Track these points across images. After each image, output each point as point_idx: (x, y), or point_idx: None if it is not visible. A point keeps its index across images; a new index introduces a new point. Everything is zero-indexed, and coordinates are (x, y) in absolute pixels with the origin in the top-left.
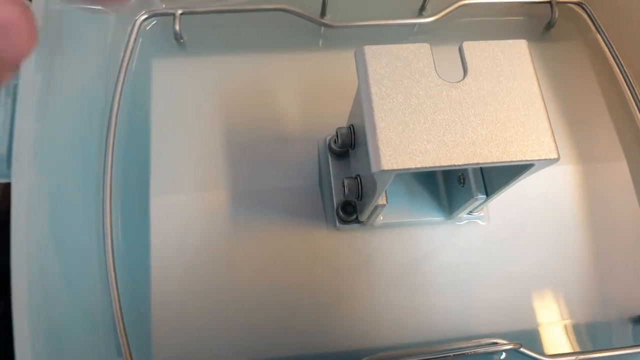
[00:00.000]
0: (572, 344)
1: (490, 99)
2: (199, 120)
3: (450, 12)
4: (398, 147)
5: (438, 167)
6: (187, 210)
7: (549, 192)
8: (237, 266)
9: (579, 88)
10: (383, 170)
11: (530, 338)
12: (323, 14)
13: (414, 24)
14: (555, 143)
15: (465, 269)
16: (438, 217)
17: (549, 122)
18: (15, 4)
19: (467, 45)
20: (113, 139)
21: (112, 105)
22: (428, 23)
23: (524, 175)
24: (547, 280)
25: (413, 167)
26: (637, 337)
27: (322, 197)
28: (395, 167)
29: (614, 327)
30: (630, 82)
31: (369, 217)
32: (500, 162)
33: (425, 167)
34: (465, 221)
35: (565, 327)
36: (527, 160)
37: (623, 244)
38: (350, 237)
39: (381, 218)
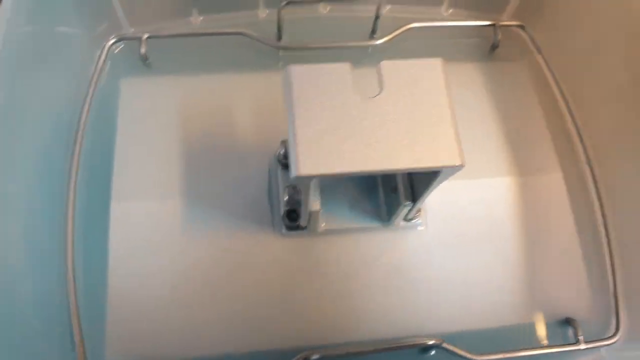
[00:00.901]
0: (504, 344)
1: (402, 112)
2: (161, 134)
3: (399, 34)
4: (315, 155)
5: (349, 173)
6: (145, 215)
7: (487, 202)
8: (191, 268)
9: (521, 105)
10: (300, 175)
11: (464, 338)
12: (279, 37)
13: (368, 46)
14: (461, 151)
15: (403, 273)
16: (378, 224)
17: (456, 132)
18: None
19: (385, 64)
20: (79, 148)
21: (79, 118)
22: (379, 45)
23: (436, 182)
24: (481, 285)
25: (327, 172)
26: (566, 337)
27: (271, 205)
28: (310, 172)
29: (543, 329)
30: (567, 100)
31: (310, 223)
32: (407, 169)
33: (338, 173)
34: (404, 228)
35: (499, 328)
36: (434, 167)
37: (555, 252)
38: (295, 243)
39: (323, 224)
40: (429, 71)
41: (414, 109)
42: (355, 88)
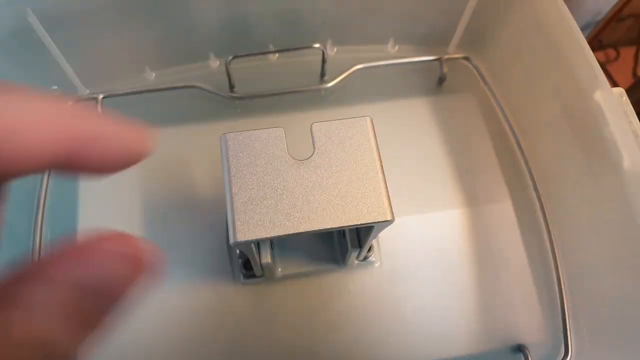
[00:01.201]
0: None
1: (333, 171)
2: (121, 188)
3: (348, 76)
4: (250, 220)
5: (285, 235)
6: None
7: (438, 234)
8: (150, 319)
9: (470, 135)
10: (237, 242)
11: None
12: (231, 87)
13: (320, 89)
14: (390, 207)
15: (362, 310)
16: (334, 265)
17: (385, 189)
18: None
19: (316, 126)
20: (42, 215)
21: (41, 182)
22: (330, 87)
23: (373, 233)
24: (436, 315)
25: (263, 236)
26: None
27: (230, 255)
28: (247, 238)
29: (498, 356)
30: (513, 130)
31: (265, 272)
32: (339, 227)
33: (273, 237)
34: (359, 267)
35: (453, 358)
36: (365, 223)
37: (507, 279)
38: (254, 291)
39: (279, 270)
40: (358, 129)
41: (345, 168)
42: (289, 151)
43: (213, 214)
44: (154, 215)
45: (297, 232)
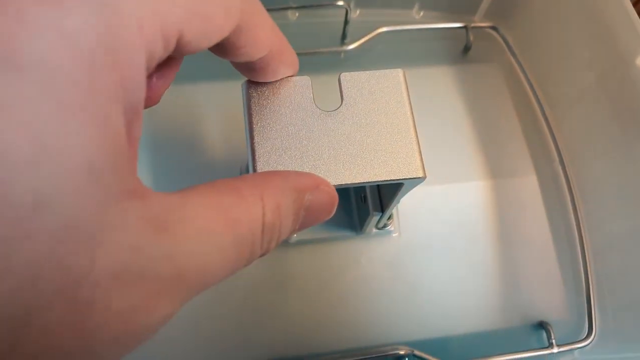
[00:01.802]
0: (477, 350)
1: (363, 124)
2: None
3: (370, 39)
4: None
5: None
6: None
7: (460, 206)
8: None
9: (495, 107)
10: None
11: (437, 345)
12: None
13: (340, 52)
14: (422, 163)
15: (377, 280)
16: (350, 233)
17: (417, 144)
18: (329, 188)
19: (345, 76)
20: None
21: None
22: (350, 50)
23: (400, 193)
24: (454, 290)
25: None
26: (539, 341)
27: None
28: None
29: (517, 333)
30: (540, 102)
31: None
32: (367, 183)
33: None
34: (377, 235)
35: (472, 334)
36: (395, 180)
37: (529, 255)
38: (268, 255)
39: (295, 235)
40: (390, 82)
41: (375, 121)
42: (315, 102)
43: (224, 173)
44: (163, 174)
45: None
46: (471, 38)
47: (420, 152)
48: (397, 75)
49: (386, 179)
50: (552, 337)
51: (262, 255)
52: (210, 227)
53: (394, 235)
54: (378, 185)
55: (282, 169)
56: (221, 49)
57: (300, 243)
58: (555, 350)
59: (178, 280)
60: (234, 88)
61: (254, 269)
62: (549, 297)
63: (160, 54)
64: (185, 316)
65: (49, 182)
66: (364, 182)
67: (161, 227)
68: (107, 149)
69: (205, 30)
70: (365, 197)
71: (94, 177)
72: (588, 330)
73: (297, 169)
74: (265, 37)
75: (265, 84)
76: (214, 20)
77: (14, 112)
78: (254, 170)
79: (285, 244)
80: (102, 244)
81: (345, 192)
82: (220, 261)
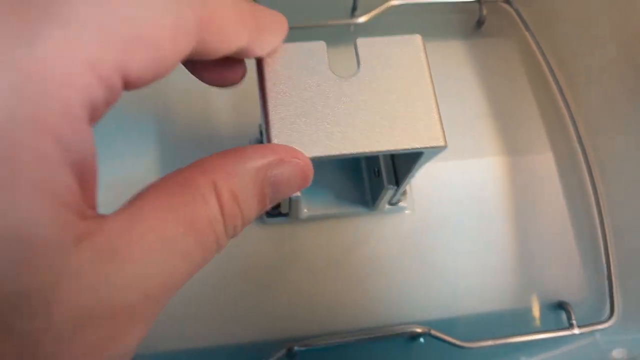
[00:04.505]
0: (494, 330)
1: (381, 91)
2: (142, 119)
3: (380, 12)
4: (289, 138)
5: (325, 156)
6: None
7: (475, 183)
8: None
9: (509, 83)
10: None
11: (454, 325)
12: None
13: (349, 25)
14: (443, 132)
15: (390, 258)
16: (362, 209)
17: (438, 112)
18: (298, 158)
19: (361, 42)
20: None
21: None
22: (360, 23)
23: (419, 164)
24: (470, 269)
25: None
26: (559, 322)
27: None
28: None
29: (535, 313)
30: (556, 78)
31: (291, 210)
32: (387, 151)
33: (313, 157)
34: (390, 212)
35: (489, 314)
36: (415, 148)
37: (547, 233)
38: (277, 230)
39: (305, 211)
40: (408, 48)
41: (393, 89)
42: (331, 68)
43: (237, 144)
44: (173, 148)
45: (339, 153)
46: (484, 12)
47: (440, 120)
48: (415, 40)
49: (405, 147)
50: (573, 317)
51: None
52: (167, 235)
53: (407, 212)
54: (392, 157)
55: (296, 135)
56: (193, 64)
57: (311, 219)
58: (576, 331)
59: (145, 300)
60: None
61: (261, 245)
62: (568, 277)
63: (106, 96)
64: (188, 294)
65: None
66: (382, 151)
67: (113, 256)
68: (44, 212)
69: (154, 58)
70: (378, 170)
71: (39, 249)
72: (610, 311)
73: (311, 136)
74: (238, 30)
75: (280, 49)
76: (162, 46)
77: None
78: (268, 137)
79: (295, 220)
80: (59, 299)
81: (357, 166)
82: (186, 263)
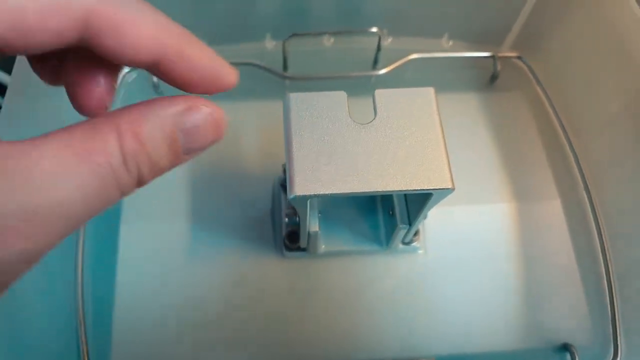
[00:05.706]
0: None
1: (395, 138)
2: None
3: (400, 65)
4: (310, 176)
5: (342, 194)
6: (153, 236)
7: (485, 227)
8: (195, 287)
9: (520, 134)
10: (296, 196)
11: None
12: (285, 68)
13: (370, 76)
14: (451, 175)
15: (402, 296)
16: (377, 247)
17: (446, 157)
18: (208, 107)
19: (379, 92)
20: None
21: None
22: (381, 75)
23: (429, 204)
24: (479, 308)
25: (321, 193)
26: None
27: (274, 227)
28: (305, 192)
29: (540, 354)
30: (565, 129)
31: (309, 245)
32: (398, 190)
33: (331, 194)
34: (403, 251)
35: (495, 352)
36: (424, 189)
37: (554, 277)
38: (296, 264)
39: (323, 247)
40: (422, 99)
41: (406, 134)
42: (350, 115)
43: (258, 187)
44: (200, 187)
45: (355, 191)
46: (498, 67)
47: (449, 165)
48: (428, 92)
49: (416, 188)
50: (577, 359)
51: (139, 185)
52: (61, 162)
53: (419, 252)
54: (406, 198)
55: (317, 174)
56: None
57: (328, 255)
58: None
59: (32, 216)
60: (270, 107)
61: (280, 278)
62: (573, 320)
63: None
64: (208, 320)
65: None
66: (393, 190)
67: (4, 171)
68: None
69: (14, 20)
70: (393, 210)
71: None
72: (614, 354)
73: (330, 175)
74: (149, 35)
75: (305, 96)
76: (24, 17)
77: None
78: (291, 176)
79: (313, 255)
80: None
81: (373, 206)
82: (80, 193)
